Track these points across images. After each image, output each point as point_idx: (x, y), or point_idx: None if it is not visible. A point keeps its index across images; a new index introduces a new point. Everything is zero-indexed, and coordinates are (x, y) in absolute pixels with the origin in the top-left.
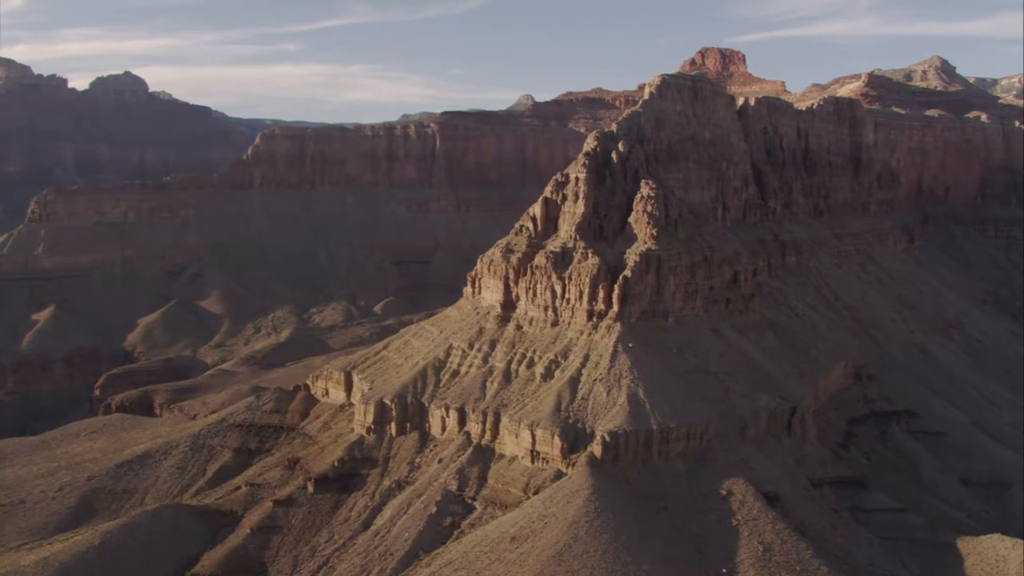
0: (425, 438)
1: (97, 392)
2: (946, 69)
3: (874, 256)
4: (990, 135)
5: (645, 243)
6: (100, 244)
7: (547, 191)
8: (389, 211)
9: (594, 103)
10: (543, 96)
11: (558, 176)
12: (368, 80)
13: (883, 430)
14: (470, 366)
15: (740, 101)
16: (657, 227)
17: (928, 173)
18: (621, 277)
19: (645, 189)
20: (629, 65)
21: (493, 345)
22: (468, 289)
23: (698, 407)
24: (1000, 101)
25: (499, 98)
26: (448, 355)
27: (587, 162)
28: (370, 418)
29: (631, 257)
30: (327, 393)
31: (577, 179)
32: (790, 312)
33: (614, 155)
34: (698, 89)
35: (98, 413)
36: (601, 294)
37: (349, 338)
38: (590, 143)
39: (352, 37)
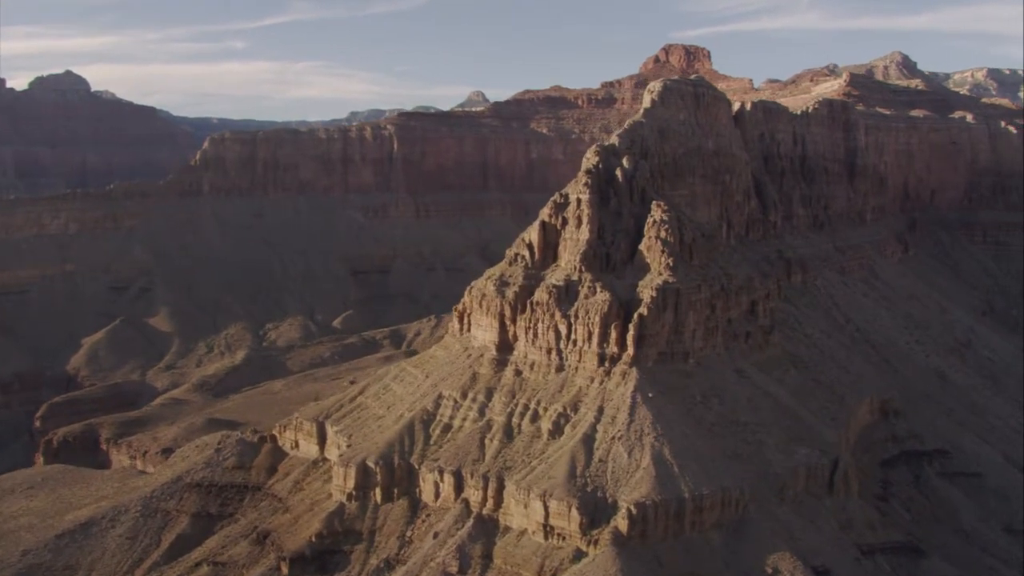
0: (416, 506)
1: (38, 423)
2: (907, 64)
3: (876, 270)
4: (976, 136)
5: (660, 274)
6: (39, 258)
7: (544, 214)
8: (345, 217)
9: (555, 102)
10: (494, 92)
11: (556, 197)
12: (315, 77)
13: (916, 473)
14: (464, 419)
15: (736, 106)
16: (672, 255)
17: (914, 176)
18: (636, 315)
19: (657, 212)
20: (582, 61)
21: (490, 394)
22: (455, 325)
23: (731, 467)
24: (983, 100)
25: (448, 94)
26: (438, 405)
27: (589, 181)
28: (351, 483)
29: (646, 291)
30: (297, 445)
31: (579, 200)
32: (806, 341)
33: (618, 172)
34: (700, 95)
35: (39, 447)
36: (613, 335)
37: (309, 358)
38: (591, 159)
39: (298, 34)
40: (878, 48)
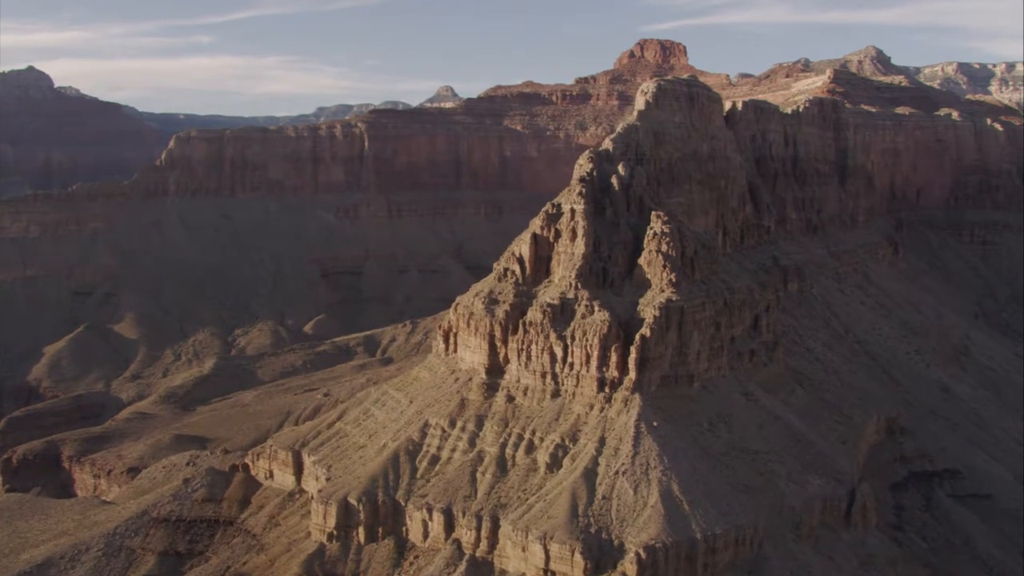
0: (403, 546)
1: None
2: (882, 59)
3: (870, 275)
4: (961, 134)
5: (662, 291)
6: None
7: (536, 225)
8: (315, 218)
9: (529, 98)
10: (463, 87)
11: (548, 207)
12: (282, 72)
13: (927, 496)
14: (453, 450)
15: (727, 105)
16: (675, 270)
17: (900, 175)
18: (638, 336)
19: (657, 223)
20: (551, 55)
21: (480, 422)
22: (439, 344)
23: (743, 501)
24: (967, 97)
25: (416, 88)
26: (424, 435)
27: (583, 190)
28: (332, 522)
29: (648, 310)
30: (271, 475)
31: (573, 211)
32: (809, 355)
33: (614, 180)
34: (695, 96)
35: None
36: (614, 358)
37: (280, 367)
38: (584, 165)
39: (266, 28)
40: (846, 42)
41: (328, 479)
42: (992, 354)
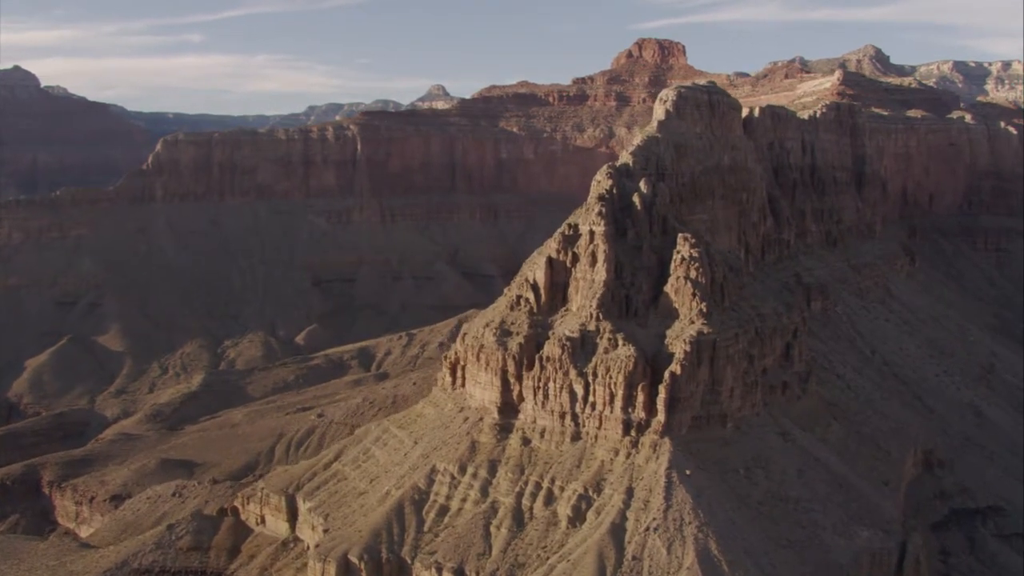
0: None
1: None
2: (880, 58)
3: (891, 289)
4: (975, 137)
5: (692, 322)
6: None
7: (551, 249)
8: (307, 223)
9: (525, 99)
10: (454, 86)
11: (564, 228)
12: (272, 70)
13: (970, 535)
14: (463, 499)
15: (744, 112)
16: (705, 299)
17: (912, 180)
18: (667, 374)
19: (684, 247)
20: (543, 54)
21: (493, 468)
22: (445, 377)
23: (786, 558)
24: (979, 99)
25: (407, 87)
26: (431, 481)
27: (603, 209)
28: None
29: (677, 344)
30: (263, 521)
31: (592, 233)
32: (840, 383)
33: (636, 198)
34: (715, 103)
35: None
36: (640, 398)
37: (272, 383)
38: (603, 182)
39: (257, 27)
40: (840, 40)
41: (326, 530)
42: (1016, 370)
